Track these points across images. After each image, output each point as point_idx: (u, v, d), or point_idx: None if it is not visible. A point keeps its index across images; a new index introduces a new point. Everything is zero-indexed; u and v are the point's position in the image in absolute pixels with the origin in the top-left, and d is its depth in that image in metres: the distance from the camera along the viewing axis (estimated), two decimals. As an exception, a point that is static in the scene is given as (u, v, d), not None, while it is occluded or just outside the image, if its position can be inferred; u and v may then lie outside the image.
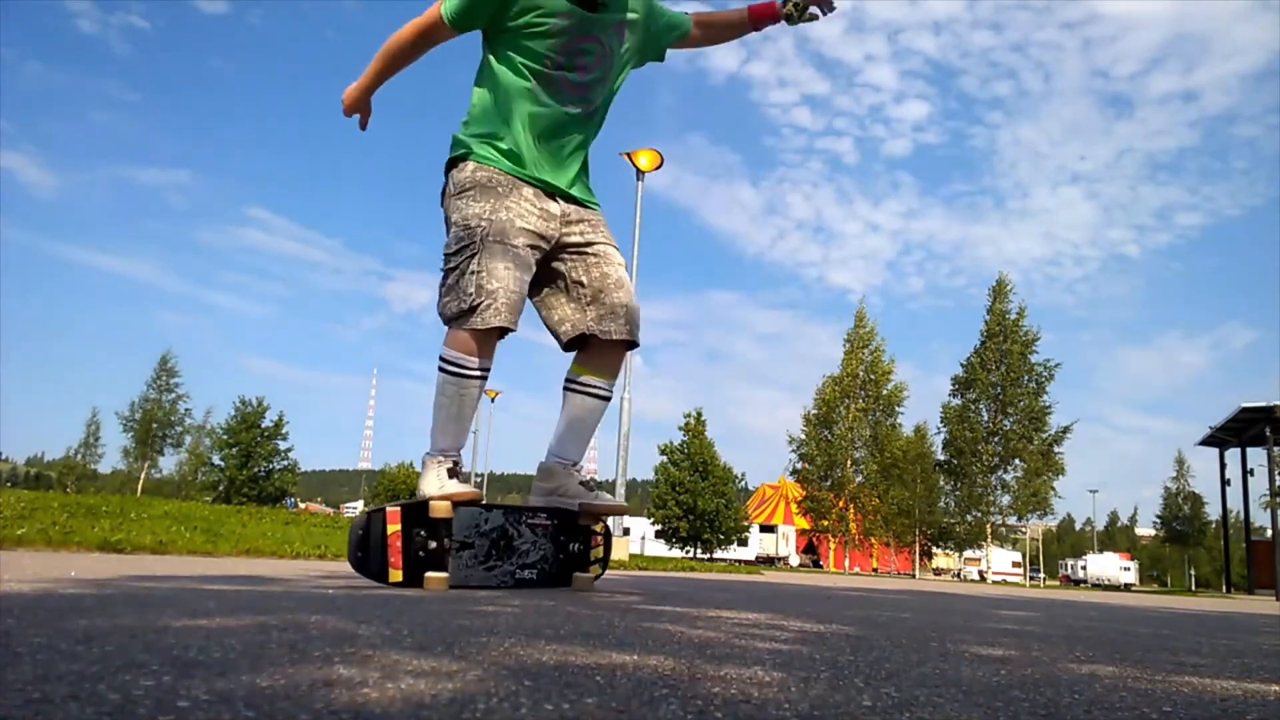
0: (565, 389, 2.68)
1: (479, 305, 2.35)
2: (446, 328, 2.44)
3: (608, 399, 2.70)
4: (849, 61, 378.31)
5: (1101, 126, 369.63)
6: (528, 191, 2.50)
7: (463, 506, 2.44)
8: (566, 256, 2.59)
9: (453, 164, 2.54)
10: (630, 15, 2.59)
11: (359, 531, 2.32)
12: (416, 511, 2.36)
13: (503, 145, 2.51)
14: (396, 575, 2.29)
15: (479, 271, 2.37)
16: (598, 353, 2.64)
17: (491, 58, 2.53)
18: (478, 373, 2.45)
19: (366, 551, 2.31)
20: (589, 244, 2.61)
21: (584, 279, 2.59)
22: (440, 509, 2.36)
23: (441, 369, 2.44)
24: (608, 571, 3.31)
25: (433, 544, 2.34)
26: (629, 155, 14.98)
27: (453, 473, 2.43)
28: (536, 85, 2.49)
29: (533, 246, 2.47)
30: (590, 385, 2.65)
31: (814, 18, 2.75)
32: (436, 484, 2.40)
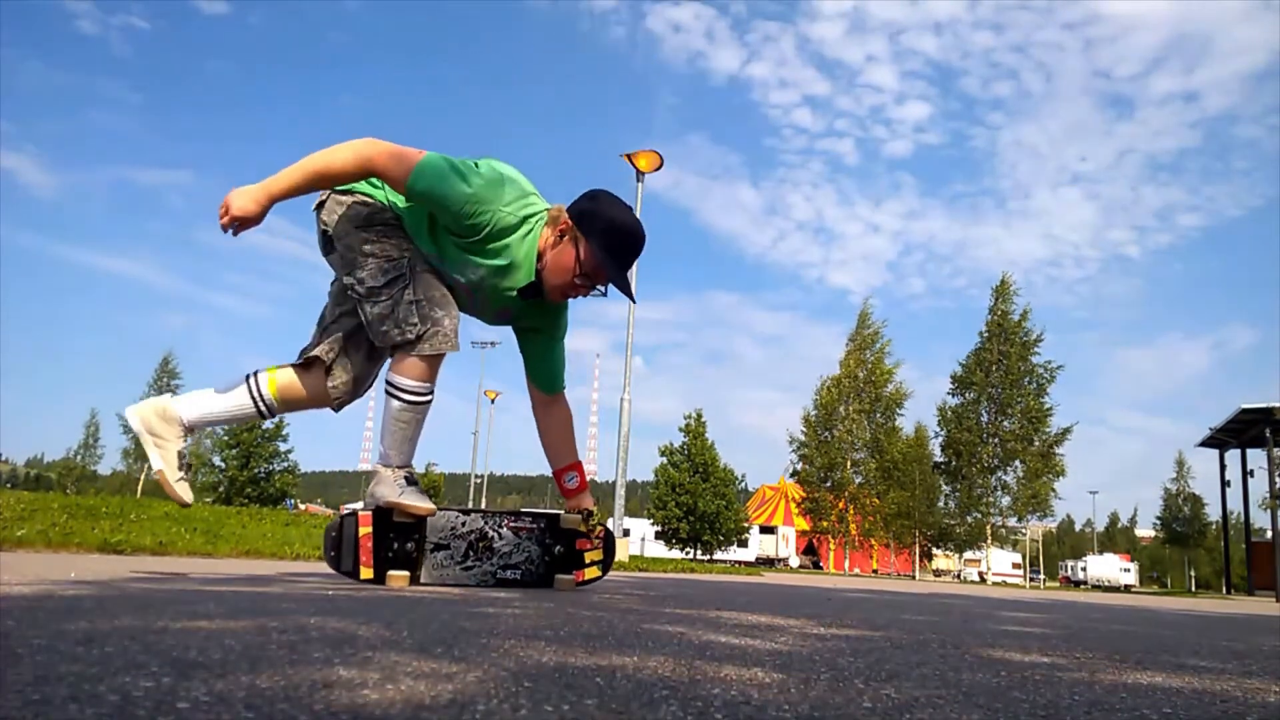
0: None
1: (425, 334, 2.41)
2: (390, 355, 2.49)
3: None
4: (850, 62, 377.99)
5: (1102, 127, 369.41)
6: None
7: (440, 510, 2.58)
8: None
9: (349, 193, 2.50)
10: (528, 324, 2.70)
11: (333, 533, 2.50)
12: (387, 515, 2.51)
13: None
14: (367, 573, 2.47)
15: (419, 301, 2.42)
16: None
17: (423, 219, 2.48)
18: (430, 398, 2.51)
19: (340, 551, 2.48)
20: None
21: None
22: (404, 516, 2.50)
23: (396, 396, 2.46)
24: (608, 573, 3.30)
25: (396, 545, 2.52)
26: (629, 157, 14.99)
27: (410, 480, 2.52)
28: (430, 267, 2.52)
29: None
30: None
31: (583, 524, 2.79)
32: (397, 491, 2.48)
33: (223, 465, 42.13)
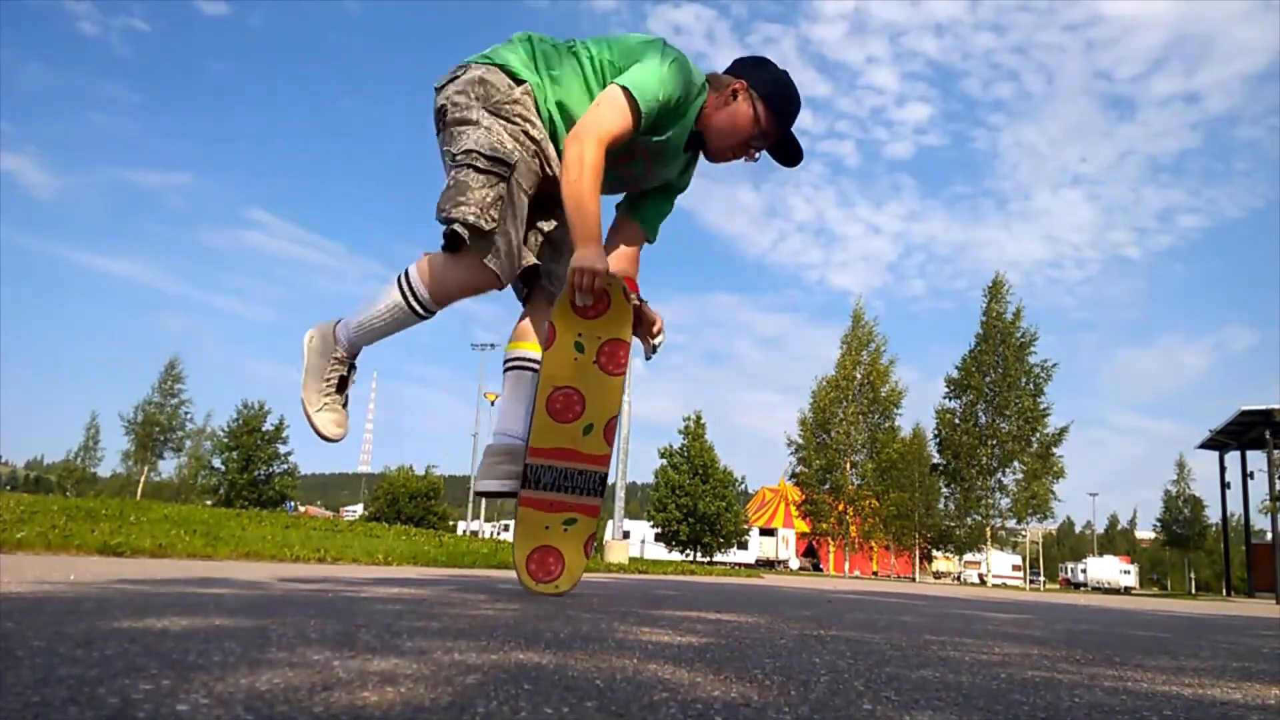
0: (516, 369, 2.47)
1: (498, 233, 2.14)
2: (446, 242, 2.19)
3: None
4: (851, 64, 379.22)
5: (1103, 129, 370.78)
6: (549, 149, 2.33)
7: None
8: (557, 211, 2.43)
9: (503, 70, 2.29)
10: (668, 172, 2.55)
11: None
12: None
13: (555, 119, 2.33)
14: None
15: (505, 203, 2.17)
16: (538, 319, 2.45)
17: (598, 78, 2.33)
18: (429, 318, 2.27)
19: None
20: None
21: (564, 239, 2.43)
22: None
23: (406, 291, 2.21)
24: (607, 575, 3.29)
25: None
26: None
27: (343, 384, 2.31)
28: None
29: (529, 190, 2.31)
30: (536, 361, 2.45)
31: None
32: (318, 400, 2.27)
33: (223, 468, 42.14)
